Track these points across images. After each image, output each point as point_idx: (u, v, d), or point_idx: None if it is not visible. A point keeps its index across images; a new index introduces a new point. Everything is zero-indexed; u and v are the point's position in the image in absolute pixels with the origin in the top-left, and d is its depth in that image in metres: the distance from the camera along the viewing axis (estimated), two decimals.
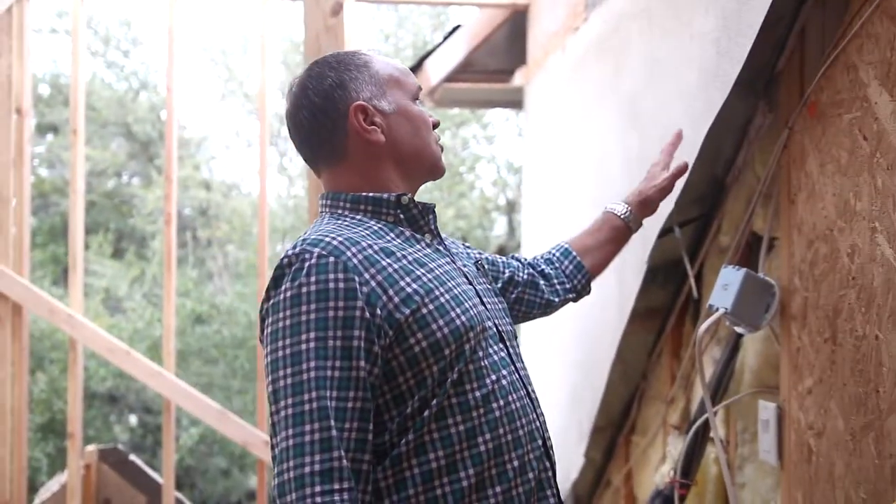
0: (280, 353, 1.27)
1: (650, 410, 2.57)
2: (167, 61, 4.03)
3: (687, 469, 1.96)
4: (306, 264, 1.29)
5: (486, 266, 1.66)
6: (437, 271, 1.40)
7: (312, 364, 1.25)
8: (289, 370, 1.26)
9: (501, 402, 1.37)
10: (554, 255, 1.87)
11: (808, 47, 1.66)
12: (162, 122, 11.22)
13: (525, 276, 1.78)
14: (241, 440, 4.12)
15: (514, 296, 1.75)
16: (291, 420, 1.24)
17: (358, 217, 1.42)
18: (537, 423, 1.43)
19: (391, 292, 1.32)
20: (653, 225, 2.22)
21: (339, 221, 1.41)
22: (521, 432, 1.38)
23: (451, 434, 1.32)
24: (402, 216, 1.45)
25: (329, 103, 1.43)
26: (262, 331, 1.34)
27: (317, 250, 1.30)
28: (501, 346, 1.44)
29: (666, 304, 2.35)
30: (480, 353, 1.37)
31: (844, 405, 1.47)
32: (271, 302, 1.31)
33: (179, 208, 10.03)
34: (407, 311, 1.31)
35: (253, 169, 11.92)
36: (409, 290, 1.33)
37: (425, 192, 8.97)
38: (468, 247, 1.69)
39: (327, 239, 1.32)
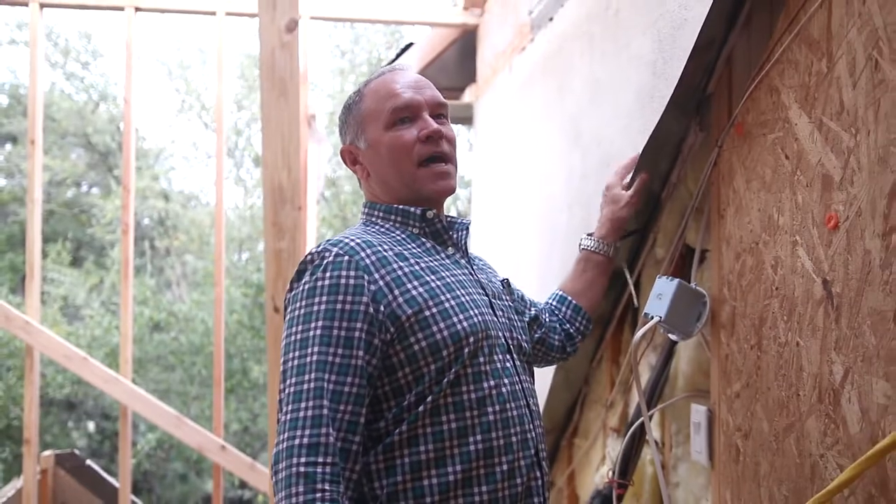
0: (292, 338, 1.37)
1: (591, 414, 2.60)
2: (125, 74, 4.00)
3: (624, 470, 1.99)
4: (325, 261, 1.40)
5: (514, 294, 1.75)
6: (448, 279, 1.48)
7: (316, 349, 1.34)
8: (297, 353, 1.35)
9: (497, 408, 1.43)
10: (551, 304, 1.94)
11: (736, 71, 1.71)
12: (121, 133, 11.07)
13: (547, 319, 1.87)
14: (196, 445, 4.08)
15: (537, 335, 1.83)
16: (292, 397, 1.33)
17: (388, 226, 1.54)
18: (532, 434, 1.49)
19: (396, 292, 1.40)
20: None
21: (368, 227, 1.54)
22: (514, 439, 1.43)
23: (443, 430, 1.38)
24: (426, 229, 1.55)
25: (342, 139, 1.65)
26: (284, 318, 1.43)
27: (335, 249, 1.41)
28: (508, 356, 1.50)
29: (606, 313, 2.38)
30: (482, 359, 1.43)
31: (769, 408, 1.51)
32: (292, 293, 1.41)
33: (138, 218, 9.90)
34: (409, 311, 1.39)
35: (210, 180, 11.80)
36: (414, 292, 1.41)
37: None
38: (502, 280, 1.74)
39: (346, 240, 1.43)
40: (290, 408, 1.32)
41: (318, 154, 4.39)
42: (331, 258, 1.39)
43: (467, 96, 4.39)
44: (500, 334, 1.50)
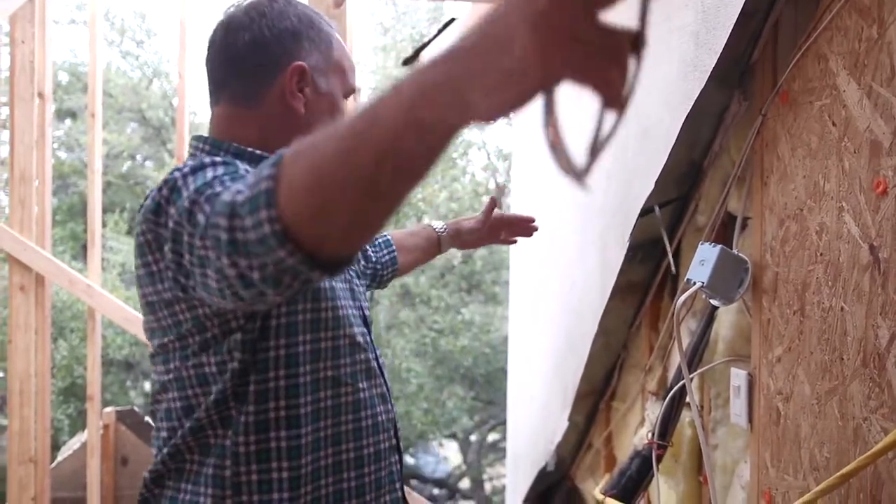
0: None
1: (630, 378, 2.57)
2: (179, 50, 4.01)
3: (664, 431, 1.97)
4: (207, 158, 1.12)
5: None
6: None
7: None
8: None
9: (362, 385, 1.27)
10: (377, 240, 1.77)
11: (782, 39, 1.65)
12: (174, 109, 11.14)
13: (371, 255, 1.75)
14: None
15: (369, 271, 1.72)
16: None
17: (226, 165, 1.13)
18: (370, 421, 1.29)
19: None
20: (634, 206, 2.22)
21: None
22: (364, 423, 1.27)
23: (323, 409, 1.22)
24: None
25: (276, 45, 1.23)
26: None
27: (220, 156, 1.17)
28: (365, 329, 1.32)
29: (645, 280, 2.35)
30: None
31: (811, 372, 1.47)
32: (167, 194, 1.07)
33: None
34: None
35: None
36: None
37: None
38: None
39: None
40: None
41: None
42: (217, 159, 1.13)
43: None
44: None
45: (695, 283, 1.69)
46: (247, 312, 1.12)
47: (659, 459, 1.96)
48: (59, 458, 5.09)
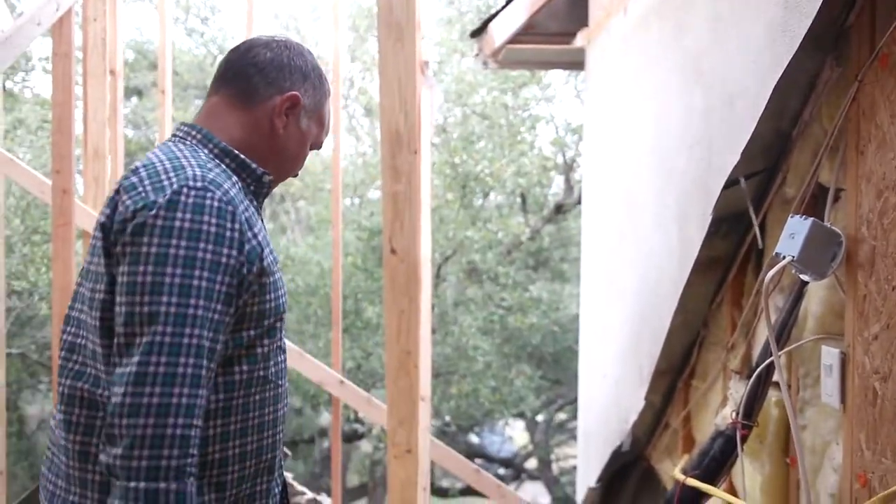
0: (167, 280, 1.21)
1: (710, 356, 2.54)
2: (246, 24, 4.06)
3: (749, 411, 1.93)
4: (208, 203, 1.25)
5: None
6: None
7: (202, 302, 1.22)
8: (174, 299, 1.21)
9: (281, 382, 1.43)
10: None
11: (881, 1, 1.59)
12: None
13: None
14: (317, 379, 4.21)
15: None
16: (167, 349, 1.19)
17: (222, 167, 1.37)
18: (284, 411, 1.47)
19: (265, 252, 1.34)
20: (717, 177, 2.17)
21: (221, 165, 1.38)
22: (279, 413, 1.43)
23: (251, 402, 1.36)
24: (253, 189, 1.43)
25: (288, 71, 1.46)
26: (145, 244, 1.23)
27: (218, 193, 1.27)
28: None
29: (728, 255, 2.30)
30: (279, 336, 1.42)
31: None
32: (165, 222, 1.23)
33: None
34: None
35: None
36: (269, 259, 1.36)
37: (490, 151, 8.93)
38: None
39: (224, 186, 1.30)
40: (164, 359, 1.18)
41: (430, 100, 4.37)
42: (219, 206, 1.26)
43: (579, 41, 4.27)
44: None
45: (784, 258, 1.65)
46: None
47: (744, 440, 1.93)
48: None
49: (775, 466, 2.03)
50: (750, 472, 2.11)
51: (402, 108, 3.15)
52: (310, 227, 10.64)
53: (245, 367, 1.34)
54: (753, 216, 2.05)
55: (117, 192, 1.30)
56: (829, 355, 1.72)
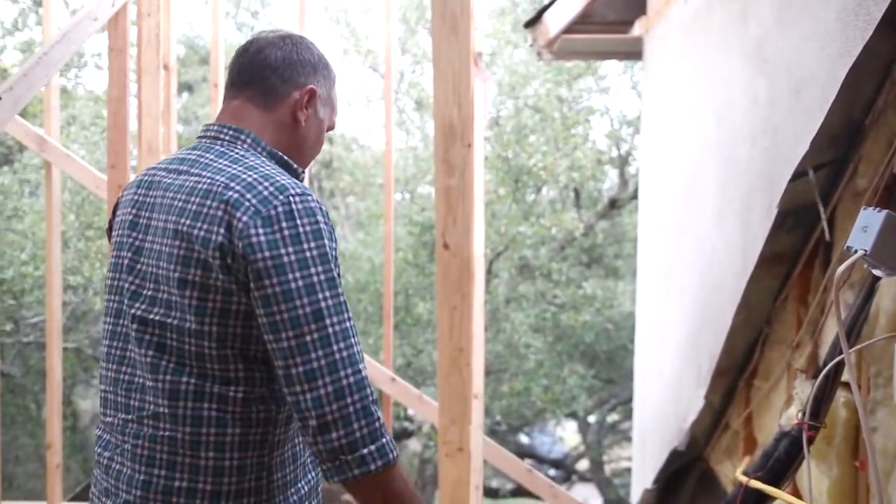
0: (322, 277, 1.36)
1: (774, 355, 2.49)
2: (298, 17, 4.10)
3: (816, 412, 1.89)
4: (320, 206, 1.41)
5: None
6: None
7: (339, 291, 1.39)
8: (331, 292, 1.37)
9: None
10: None
11: None
12: None
13: None
14: (368, 376, 4.21)
15: None
16: (341, 335, 1.36)
17: (281, 167, 1.51)
18: None
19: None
20: (782, 168, 2.13)
21: (279, 167, 1.50)
22: None
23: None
24: None
25: (300, 66, 1.57)
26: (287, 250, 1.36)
27: (315, 196, 1.43)
28: None
29: (794, 249, 2.25)
30: None
31: None
32: (306, 229, 1.37)
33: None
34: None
35: (373, 123, 12.04)
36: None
37: (543, 145, 8.87)
38: None
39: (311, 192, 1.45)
40: (343, 345, 1.35)
41: (483, 92, 4.35)
42: (319, 206, 1.42)
43: (636, 30, 4.22)
44: None
45: (856, 252, 1.60)
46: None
47: (810, 441, 1.89)
48: None
49: (843, 470, 1.98)
50: (816, 475, 2.06)
51: (455, 101, 3.14)
52: (360, 222, 10.70)
53: None
54: (822, 209, 2.00)
55: (224, 209, 1.38)
56: None
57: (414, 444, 11.34)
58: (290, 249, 1.35)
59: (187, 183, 1.43)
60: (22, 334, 8.36)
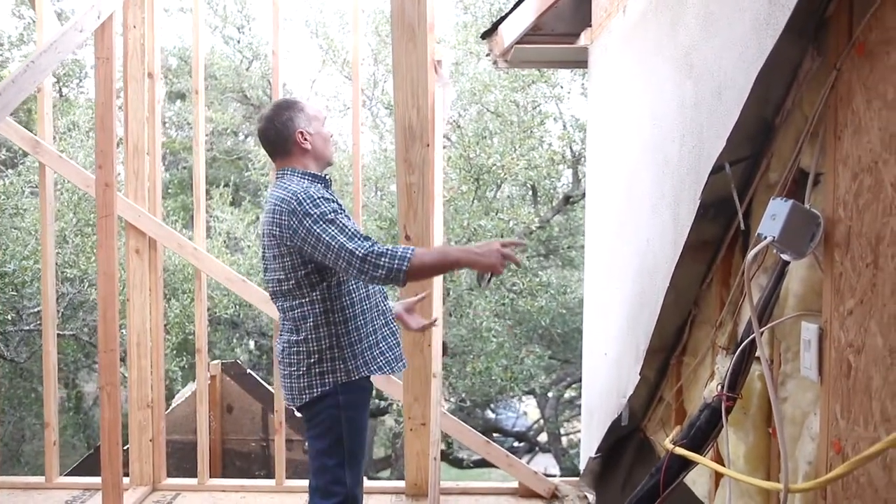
0: (336, 226, 2.32)
1: (700, 333, 2.49)
2: (272, 30, 4.05)
3: (733, 384, 1.90)
4: (305, 198, 2.35)
5: None
6: None
7: (345, 222, 2.34)
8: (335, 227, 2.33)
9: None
10: None
11: None
12: (271, 87, 11.29)
13: None
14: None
15: None
16: (335, 243, 2.28)
17: (310, 181, 2.49)
18: None
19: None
20: (707, 164, 2.13)
21: (304, 180, 2.48)
22: None
23: None
24: (326, 184, 2.54)
25: (285, 127, 2.50)
26: (288, 231, 2.35)
27: (304, 193, 2.37)
28: None
29: (716, 237, 2.26)
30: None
31: (884, 324, 1.38)
32: (298, 216, 2.33)
33: None
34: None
35: (349, 128, 11.95)
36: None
37: (501, 146, 8.86)
38: None
39: (311, 189, 2.42)
40: (337, 242, 2.27)
41: (443, 97, 4.33)
42: (310, 195, 2.35)
43: (582, 40, 4.22)
44: None
45: (766, 238, 1.61)
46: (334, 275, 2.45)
47: (728, 411, 1.89)
48: (173, 404, 5.30)
49: (758, 436, 1.99)
50: (734, 441, 2.07)
51: (414, 104, 3.11)
52: None
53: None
54: (737, 200, 2.01)
55: (274, 212, 2.40)
56: (808, 331, 1.67)
57: (389, 420, 11.32)
58: (304, 222, 2.31)
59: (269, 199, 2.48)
60: (24, 323, 8.23)
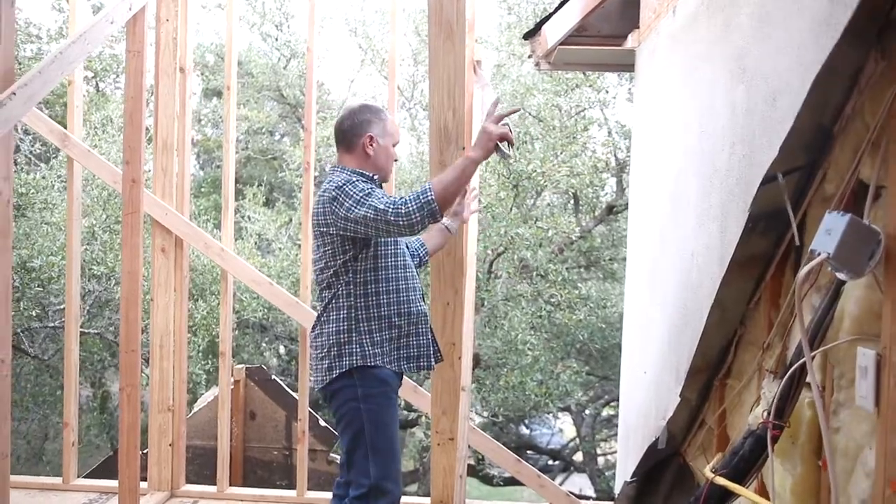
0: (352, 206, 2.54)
1: (746, 355, 2.41)
2: (308, 26, 4.05)
3: (781, 411, 1.81)
4: (342, 184, 2.58)
5: None
6: None
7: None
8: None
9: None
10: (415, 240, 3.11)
11: None
12: (307, 86, 11.34)
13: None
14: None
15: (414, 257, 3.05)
16: (363, 215, 2.50)
17: (358, 176, 2.67)
18: None
19: None
20: (758, 174, 2.05)
21: (353, 175, 2.65)
22: None
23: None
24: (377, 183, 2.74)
25: (359, 126, 2.72)
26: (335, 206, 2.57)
27: (345, 181, 2.61)
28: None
29: (766, 253, 2.17)
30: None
31: None
32: (337, 201, 2.57)
33: (322, 164, 10.16)
34: None
35: None
36: None
37: (542, 152, 8.79)
38: None
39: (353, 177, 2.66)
40: (371, 213, 2.48)
41: (482, 99, 4.29)
42: (346, 182, 2.58)
43: (629, 43, 4.14)
44: None
45: (820, 254, 1.53)
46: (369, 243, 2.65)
47: (774, 440, 1.81)
48: (195, 409, 5.32)
49: (806, 468, 1.91)
50: (780, 472, 1.98)
51: (450, 105, 3.07)
52: None
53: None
54: (791, 213, 1.93)
55: (319, 202, 2.64)
56: (865, 357, 1.59)
57: (419, 433, 11.27)
58: (342, 205, 2.51)
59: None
60: (50, 320, 8.36)
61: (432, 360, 2.79)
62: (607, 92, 9.28)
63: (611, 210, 9.74)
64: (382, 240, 2.62)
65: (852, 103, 1.73)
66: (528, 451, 13.09)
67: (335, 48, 13.71)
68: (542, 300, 8.84)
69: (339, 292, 2.61)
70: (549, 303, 8.85)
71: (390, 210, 2.42)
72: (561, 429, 15.23)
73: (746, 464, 1.87)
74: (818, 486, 1.90)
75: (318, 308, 2.76)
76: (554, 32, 4.31)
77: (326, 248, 2.62)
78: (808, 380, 1.77)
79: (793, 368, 1.78)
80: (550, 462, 13.43)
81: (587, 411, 11.57)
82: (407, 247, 2.88)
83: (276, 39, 12.00)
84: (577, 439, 12.22)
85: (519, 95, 8.77)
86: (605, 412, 12.23)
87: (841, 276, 1.60)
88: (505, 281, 9.04)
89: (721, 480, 1.88)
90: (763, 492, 2.11)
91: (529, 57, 4.58)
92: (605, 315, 9.17)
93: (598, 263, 9.94)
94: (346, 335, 2.60)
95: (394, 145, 2.75)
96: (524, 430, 13.68)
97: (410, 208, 2.42)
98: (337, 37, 12.03)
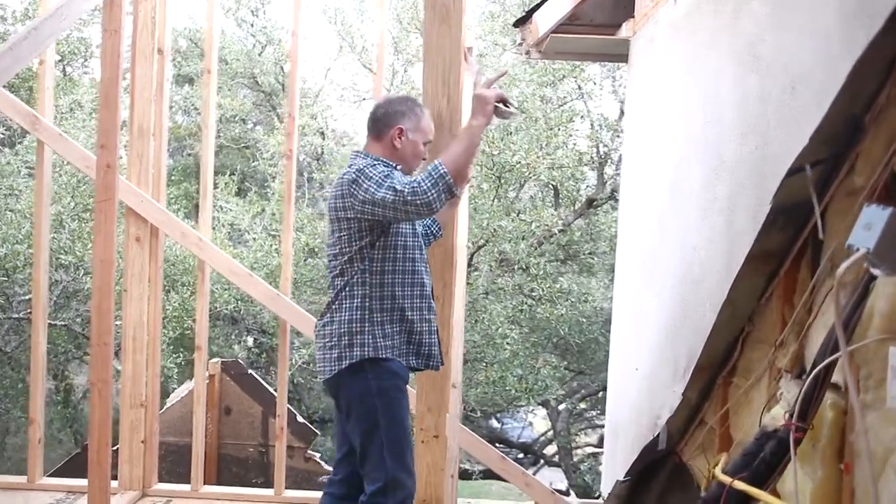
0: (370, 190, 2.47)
1: (755, 353, 2.34)
2: (293, 11, 3.91)
3: (804, 413, 1.74)
4: (363, 169, 2.52)
5: None
6: None
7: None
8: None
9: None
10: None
11: None
12: (285, 74, 11.16)
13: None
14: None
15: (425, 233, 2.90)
16: (380, 199, 2.44)
17: (382, 162, 2.60)
18: None
19: None
20: (773, 166, 1.98)
21: (373, 160, 2.59)
22: None
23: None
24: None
25: (392, 116, 2.64)
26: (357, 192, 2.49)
27: (369, 166, 2.54)
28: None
29: (782, 248, 2.10)
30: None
31: None
32: (356, 184, 2.50)
33: (297, 154, 9.99)
34: None
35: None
36: None
37: (526, 143, 8.71)
38: None
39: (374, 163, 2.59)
40: (387, 197, 2.41)
41: (472, 86, 4.19)
42: (366, 168, 2.51)
43: (623, 32, 4.07)
44: None
45: (859, 250, 1.46)
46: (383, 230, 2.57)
47: (797, 443, 1.74)
48: (168, 403, 5.17)
49: (828, 472, 1.84)
50: (800, 476, 1.91)
51: (445, 92, 2.97)
52: None
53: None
54: (816, 206, 1.86)
55: (338, 185, 2.58)
56: None
57: None
58: (361, 187, 2.45)
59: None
60: (14, 311, 8.12)
61: (440, 360, 2.71)
62: (594, 83, 9.22)
63: (590, 204, 9.70)
64: (401, 229, 2.55)
65: (886, 92, 1.66)
66: (499, 445, 13.05)
67: (311, 36, 13.51)
68: (522, 294, 8.77)
69: (354, 280, 2.53)
70: (530, 297, 8.79)
71: (407, 190, 2.36)
72: (531, 422, 15.24)
73: (768, 467, 1.80)
74: (839, 490, 1.83)
75: (329, 296, 2.68)
76: (545, 20, 4.22)
77: (342, 234, 2.54)
78: (832, 380, 1.71)
79: (818, 368, 1.71)
80: (521, 456, 13.42)
81: (563, 406, 11.55)
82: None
83: (252, 25, 11.80)
84: (553, 433, 12.20)
85: (502, 86, 8.67)
86: (580, 406, 12.23)
87: (878, 272, 1.53)
88: (485, 274, 8.97)
89: (741, 485, 1.80)
90: (776, 496, 2.05)
91: (519, 45, 4.49)
92: (584, 309, 9.14)
93: (577, 257, 9.90)
94: (358, 325, 2.53)
95: (425, 144, 2.64)
96: (495, 424, 13.65)
97: (426, 186, 2.36)
98: (314, 24, 11.83)
